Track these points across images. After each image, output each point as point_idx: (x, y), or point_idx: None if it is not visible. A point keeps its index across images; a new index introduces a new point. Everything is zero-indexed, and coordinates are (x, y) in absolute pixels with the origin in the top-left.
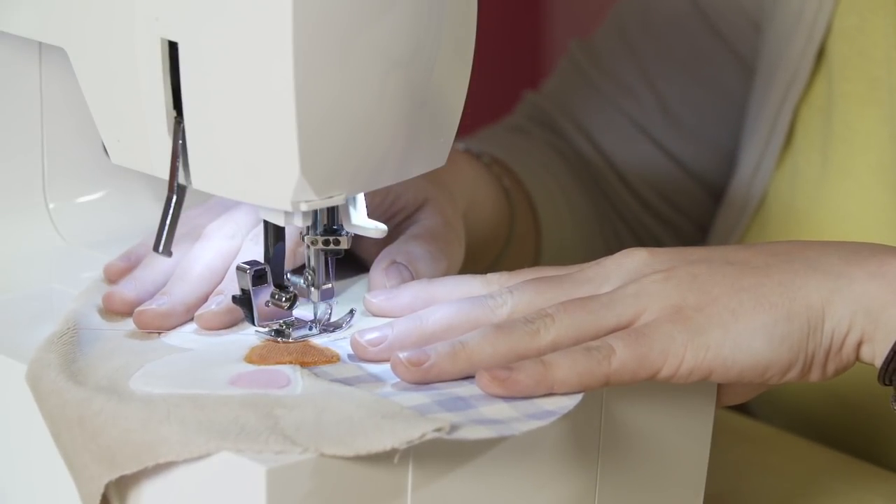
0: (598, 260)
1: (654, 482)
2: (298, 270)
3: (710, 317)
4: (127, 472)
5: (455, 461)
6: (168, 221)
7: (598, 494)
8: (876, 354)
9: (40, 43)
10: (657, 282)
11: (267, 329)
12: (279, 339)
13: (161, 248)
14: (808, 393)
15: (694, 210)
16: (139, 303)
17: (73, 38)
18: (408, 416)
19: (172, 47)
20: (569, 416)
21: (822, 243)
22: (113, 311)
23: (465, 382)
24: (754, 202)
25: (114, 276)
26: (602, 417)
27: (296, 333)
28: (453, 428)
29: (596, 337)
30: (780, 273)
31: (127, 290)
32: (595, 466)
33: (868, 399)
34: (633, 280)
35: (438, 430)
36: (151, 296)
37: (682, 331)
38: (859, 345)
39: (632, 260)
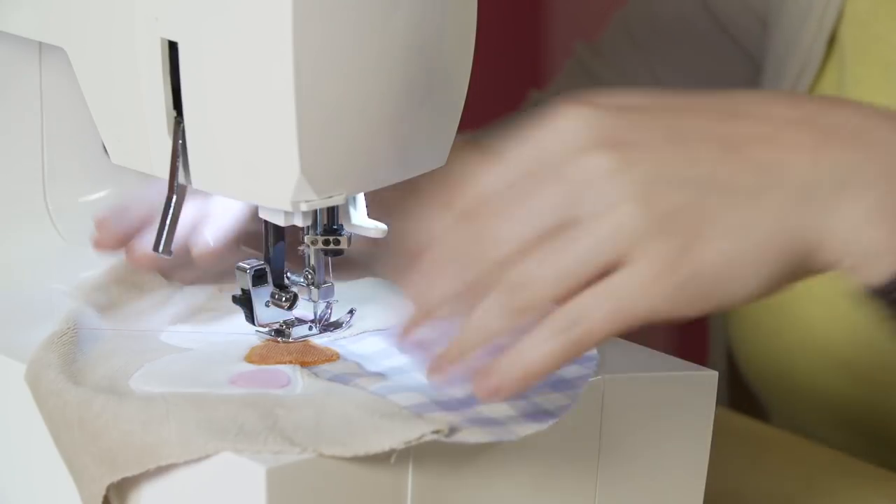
0: (534, 134)
1: (653, 482)
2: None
3: (700, 265)
4: (129, 474)
5: (455, 461)
6: (168, 221)
7: (598, 494)
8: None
9: (40, 43)
10: (626, 202)
11: (267, 329)
12: (279, 339)
13: (161, 248)
14: (823, 369)
15: None
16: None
17: (73, 38)
18: (406, 417)
19: (172, 47)
20: (569, 416)
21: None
22: (140, 265)
23: (463, 383)
24: None
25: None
26: (602, 417)
27: (296, 333)
28: (452, 430)
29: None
30: (770, 200)
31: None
32: (595, 466)
33: (886, 375)
34: (587, 182)
35: (437, 431)
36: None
37: (667, 285)
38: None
39: (572, 130)
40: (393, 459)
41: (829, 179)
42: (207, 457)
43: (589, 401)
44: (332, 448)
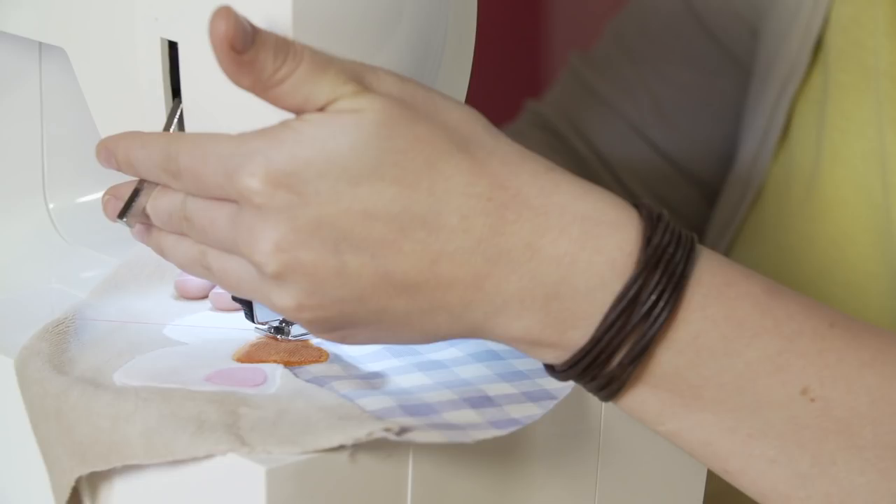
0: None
1: (654, 482)
2: None
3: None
4: (97, 469)
5: (455, 461)
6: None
7: (598, 494)
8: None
9: (40, 43)
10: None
11: (266, 326)
12: (278, 337)
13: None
14: None
15: (689, 211)
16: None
17: (73, 38)
18: (363, 418)
19: (172, 47)
20: (569, 416)
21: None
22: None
23: (435, 388)
24: (750, 195)
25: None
26: (602, 417)
27: (295, 331)
28: (404, 430)
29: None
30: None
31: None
32: (595, 466)
33: None
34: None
35: (387, 429)
36: None
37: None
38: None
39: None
40: (348, 455)
41: (485, 306)
42: (210, 458)
43: (590, 400)
44: (282, 447)
